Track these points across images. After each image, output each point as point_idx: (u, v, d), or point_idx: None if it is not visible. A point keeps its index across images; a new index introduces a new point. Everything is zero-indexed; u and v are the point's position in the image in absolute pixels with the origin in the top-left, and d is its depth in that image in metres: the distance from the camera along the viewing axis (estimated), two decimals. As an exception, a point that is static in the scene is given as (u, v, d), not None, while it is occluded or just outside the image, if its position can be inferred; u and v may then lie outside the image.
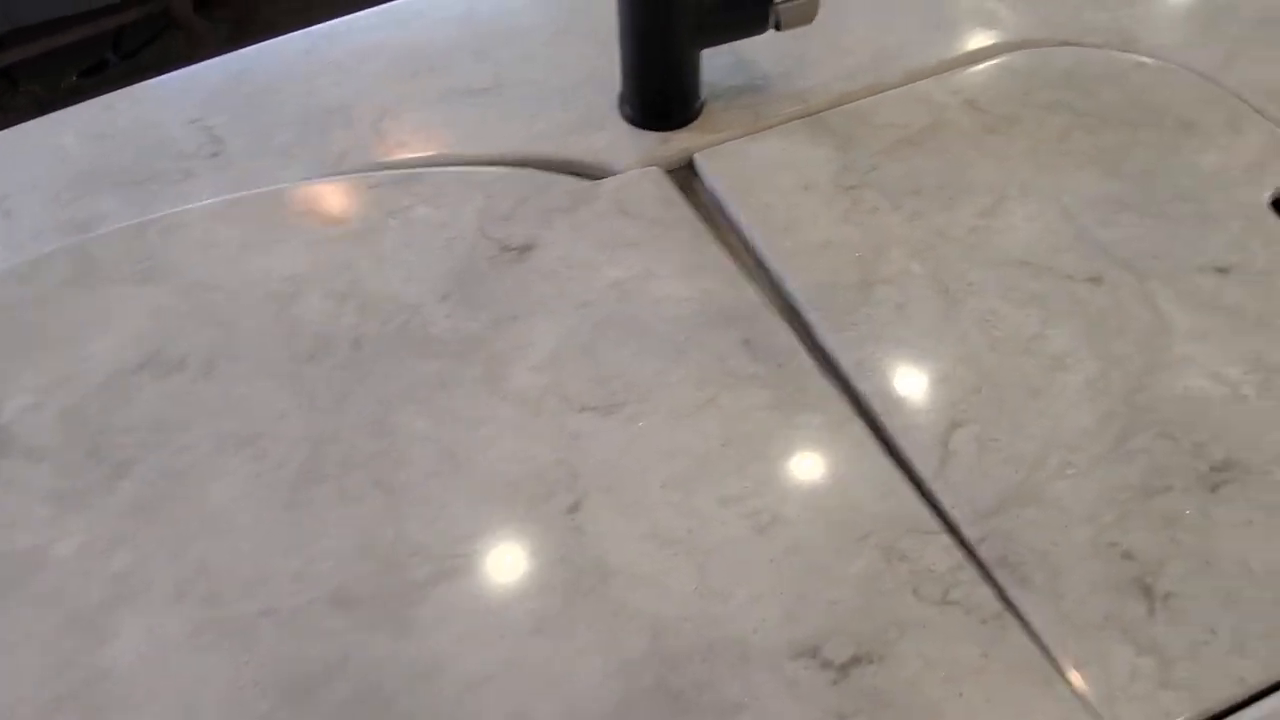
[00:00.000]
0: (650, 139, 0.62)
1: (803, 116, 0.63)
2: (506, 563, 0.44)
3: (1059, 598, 0.42)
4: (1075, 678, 0.40)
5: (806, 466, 0.47)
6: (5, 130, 0.65)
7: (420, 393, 0.49)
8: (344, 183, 0.60)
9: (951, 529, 0.44)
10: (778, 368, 0.50)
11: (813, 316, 0.52)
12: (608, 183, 0.59)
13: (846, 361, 0.50)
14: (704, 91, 0.64)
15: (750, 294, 0.53)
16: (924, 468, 0.46)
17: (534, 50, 0.68)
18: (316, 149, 0.62)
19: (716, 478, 0.46)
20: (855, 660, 0.41)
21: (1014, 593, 0.42)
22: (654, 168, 0.59)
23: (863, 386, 0.49)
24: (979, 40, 0.67)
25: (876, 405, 0.48)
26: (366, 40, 0.70)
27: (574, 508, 0.45)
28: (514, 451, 0.47)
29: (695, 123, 0.63)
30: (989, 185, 0.58)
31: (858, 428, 0.48)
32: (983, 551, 0.43)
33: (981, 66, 0.66)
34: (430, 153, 0.62)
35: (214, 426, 0.49)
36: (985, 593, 0.42)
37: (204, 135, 0.64)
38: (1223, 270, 0.53)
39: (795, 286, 0.54)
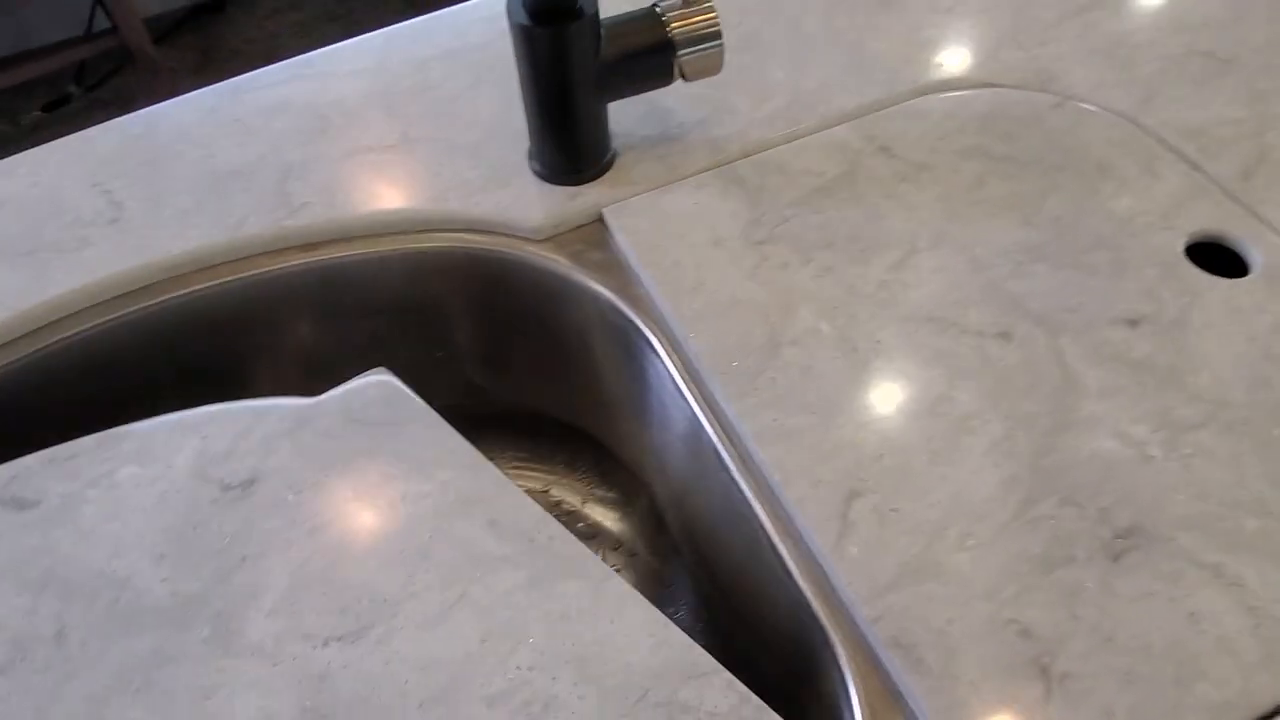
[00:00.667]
0: (559, 194, 0.61)
1: (716, 167, 0.62)
2: None
3: (954, 680, 0.40)
4: (967, 768, 0.38)
5: (572, 638, 0.43)
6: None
7: (136, 676, 0.43)
8: (35, 461, 0.51)
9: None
10: (529, 543, 0.46)
11: (714, 383, 0.51)
12: (329, 397, 0.53)
13: (747, 430, 0.49)
14: (616, 142, 0.63)
15: (492, 473, 0.49)
16: (822, 542, 0.45)
17: (443, 106, 0.67)
18: (216, 214, 0.61)
19: (480, 679, 0.42)
20: None
21: (908, 676, 0.41)
22: (386, 375, 0.54)
23: (761, 456, 0.48)
24: (897, 83, 0.66)
25: (775, 476, 0.47)
26: (273, 96, 0.68)
27: None
28: (254, 713, 0.42)
29: (606, 176, 0.62)
30: (900, 236, 0.57)
31: (618, 584, 0.44)
32: (877, 631, 0.42)
33: (898, 109, 0.65)
34: (334, 214, 0.61)
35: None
36: None
37: (103, 200, 0.62)
38: (1133, 323, 0.53)
39: (699, 350, 0.52)
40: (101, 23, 2.44)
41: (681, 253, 0.57)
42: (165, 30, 2.77)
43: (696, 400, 0.52)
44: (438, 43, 0.72)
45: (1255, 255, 0.56)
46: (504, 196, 0.61)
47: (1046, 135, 0.63)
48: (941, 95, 0.65)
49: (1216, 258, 0.56)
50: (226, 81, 0.69)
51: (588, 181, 0.61)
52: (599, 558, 0.45)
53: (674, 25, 0.56)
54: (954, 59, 0.68)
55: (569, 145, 0.60)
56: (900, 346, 0.52)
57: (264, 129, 0.66)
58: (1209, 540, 0.44)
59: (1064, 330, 0.52)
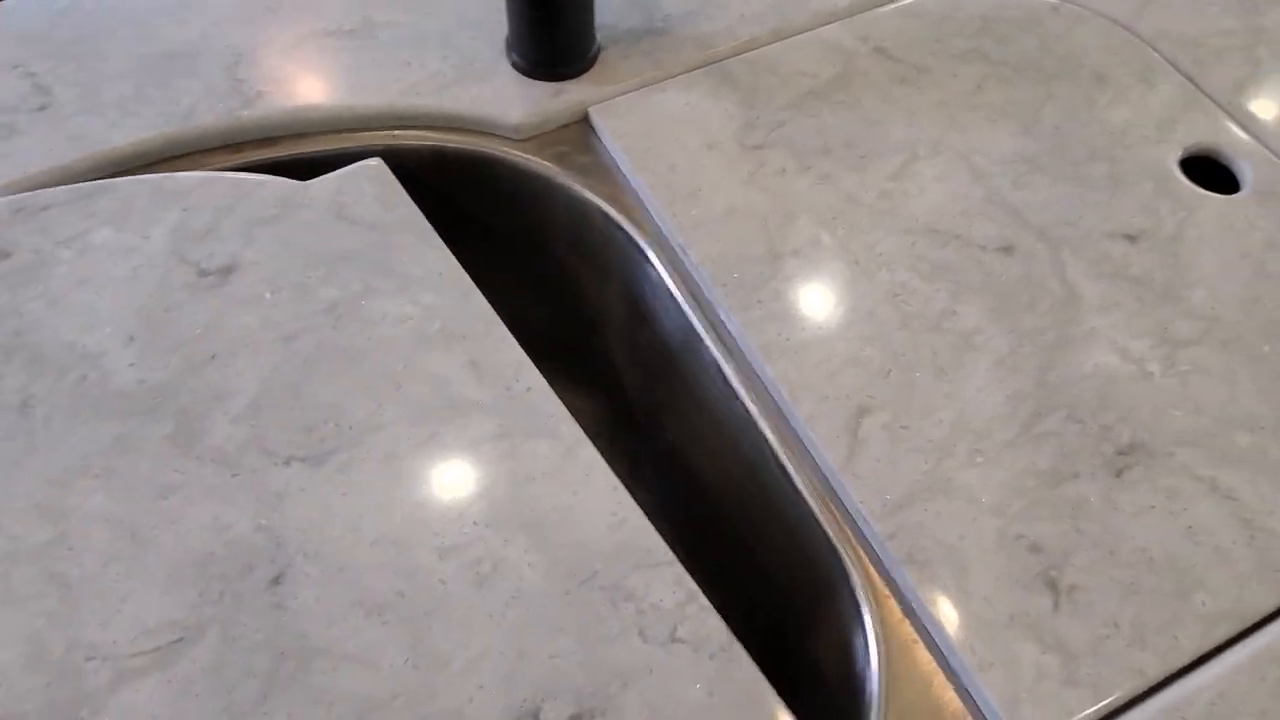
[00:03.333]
0: (541, 90, 0.57)
1: (706, 64, 0.59)
2: (196, 654, 0.38)
3: (967, 596, 0.41)
4: (985, 680, 0.39)
5: (533, 502, 0.42)
6: None
7: (98, 462, 0.42)
8: (3, 208, 0.49)
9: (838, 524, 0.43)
10: (505, 391, 0.44)
11: (716, 294, 0.49)
12: (320, 183, 0.50)
13: (751, 344, 0.47)
14: (599, 36, 0.59)
15: (480, 305, 0.47)
16: (832, 459, 0.44)
17: (409, -15, 0.61)
18: (160, 102, 0.55)
19: (435, 527, 0.41)
20: (576, 718, 0.37)
21: (922, 592, 0.41)
22: (377, 160, 0.51)
23: (768, 371, 0.47)
24: (891, -21, 0.63)
25: (783, 392, 0.46)
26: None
27: (276, 580, 0.39)
28: (208, 521, 0.41)
29: (590, 72, 0.58)
30: (900, 143, 0.55)
31: (589, 452, 0.43)
32: (891, 548, 0.42)
33: (893, 8, 0.62)
34: (295, 105, 0.55)
35: None
36: (714, 623, 0.39)
37: (28, 84, 0.56)
38: (1131, 237, 0.52)
39: (698, 260, 0.50)
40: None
41: (675, 156, 0.54)
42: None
43: (695, 313, 0.50)
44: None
45: (1247, 171, 0.56)
46: (481, 91, 0.56)
47: (1044, 40, 0.61)
48: (938, -6, 0.63)
49: (1209, 172, 0.56)
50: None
51: (571, 77, 0.57)
52: (574, 421, 0.44)
53: (670, -95, 0.52)
54: (949, -44, 0.65)
55: (552, 36, 0.55)
56: (903, 259, 0.51)
57: (206, 6, 0.59)
58: (1205, 455, 0.45)
59: (1064, 244, 0.52)
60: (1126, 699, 0.39)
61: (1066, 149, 0.56)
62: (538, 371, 0.45)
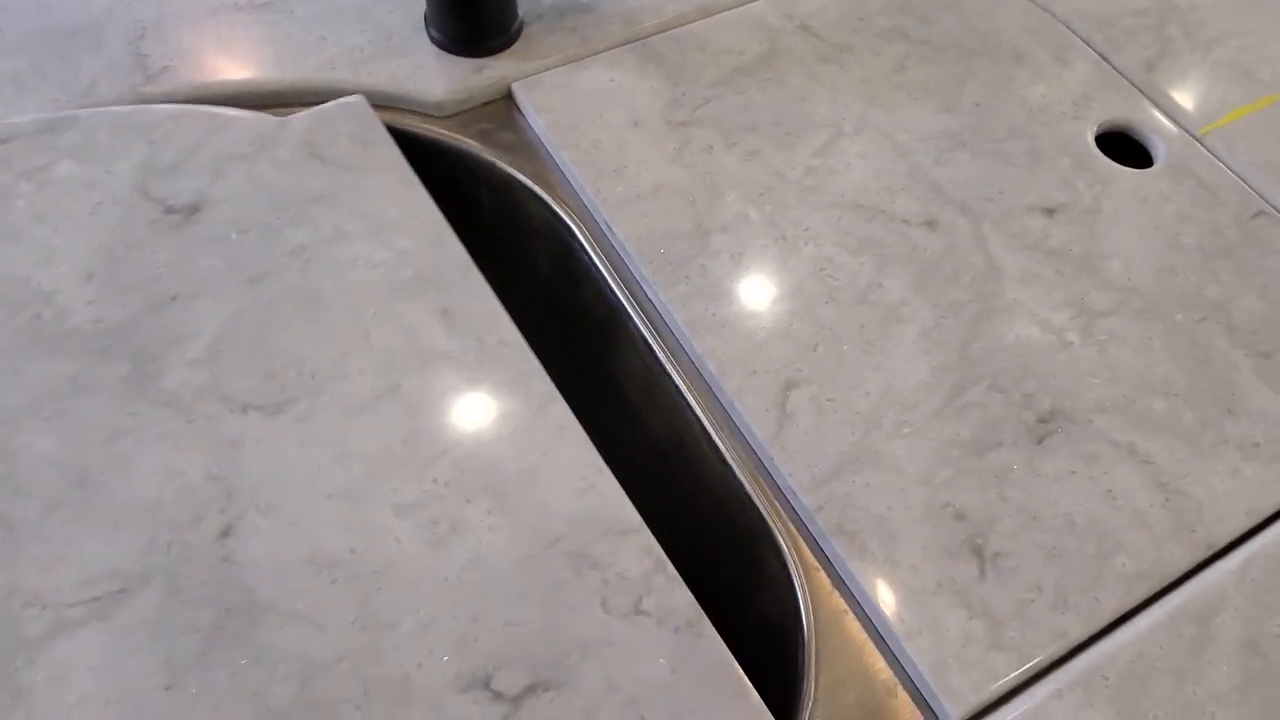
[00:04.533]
0: (462, 66, 0.55)
1: (631, 41, 0.58)
2: (138, 605, 0.36)
3: (895, 565, 0.41)
4: (913, 647, 0.39)
5: (499, 461, 0.41)
6: None
7: (49, 403, 0.40)
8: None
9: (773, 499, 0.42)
10: (477, 343, 0.43)
11: (643, 271, 0.49)
12: (297, 119, 0.49)
13: (678, 320, 0.47)
14: (523, 11, 0.57)
15: (456, 251, 0.46)
16: (761, 433, 0.44)
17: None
18: (59, 78, 0.52)
19: (393, 483, 0.40)
20: (530, 689, 0.36)
21: (851, 563, 0.41)
22: (358, 96, 0.50)
23: (696, 347, 0.46)
24: (815, -42, 0.63)
25: (711, 367, 0.46)
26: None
27: (225, 532, 0.38)
28: (159, 468, 0.39)
29: (513, 47, 0.56)
30: (825, 120, 0.55)
31: (561, 410, 0.42)
32: (820, 520, 0.42)
33: (818, -13, 0.62)
34: (203, 80, 0.53)
35: None
36: (682, 596, 0.38)
37: (-89, 57, 0.52)
38: (1049, 211, 0.53)
39: (625, 237, 0.50)
40: None
41: (600, 133, 0.53)
42: None
43: (621, 290, 0.49)
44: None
45: (1159, 146, 0.57)
46: (400, 66, 0.55)
47: (964, 19, 0.62)
48: (861, -27, 0.63)
49: (1123, 147, 0.57)
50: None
51: (493, 53, 0.56)
52: (547, 378, 0.43)
53: (591, -124, 0.51)
54: (872, -65, 0.65)
55: (473, 11, 0.54)
56: (829, 234, 0.51)
57: (106, -21, 0.57)
58: (1123, 421, 0.46)
59: (985, 218, 0.52)
60: (1050, 660, 0.39)
61: (987, 126, 0.56)
62: (512, 323, 0.44)
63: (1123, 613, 0.41)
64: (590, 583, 0.38)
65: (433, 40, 0.56)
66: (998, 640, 0.39)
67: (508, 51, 0.56)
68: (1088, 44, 0.61)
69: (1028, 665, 0.39)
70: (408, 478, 0.40)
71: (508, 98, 0.56)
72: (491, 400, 0.42)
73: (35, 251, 0.44)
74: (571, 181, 0.52)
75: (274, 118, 0.48)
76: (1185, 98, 0.59)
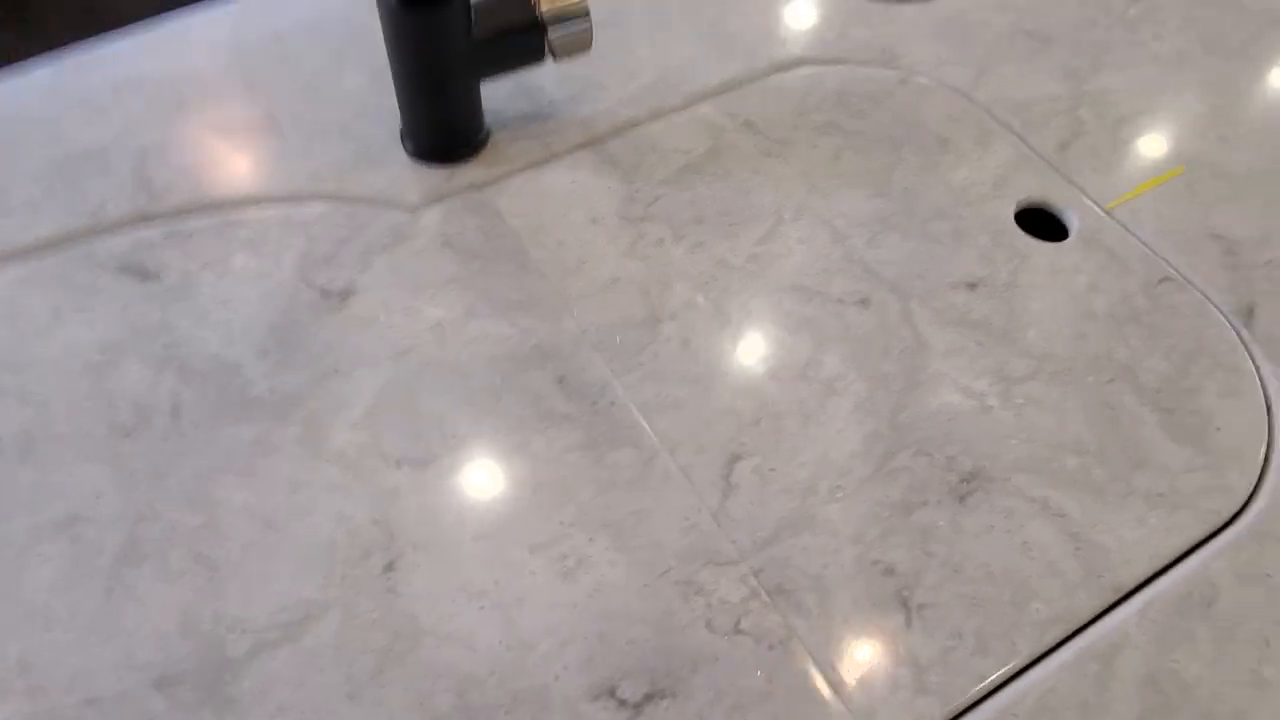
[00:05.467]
0: (435, 174, 0.61)
1: (589, 144, 0.64)
2: (323, 629, 0.44)
3: (830, 619, 0.45)
4: (846, 695, 0.43)
5: (614, 506, 0.48)
6: None
7: (240, 461, 0.49)
8: (157, 230, 0.57)
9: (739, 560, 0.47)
10: (590, 405, 0.52)
11: (602, 357, 0.54)
12: (428, 214, 0.59)
13: (636, 401, 0.52)
14: (489, 120, 0.63)
15: (568, 327, 0.54)
16: (710, 502, 0.49)
17: (306, 81, 0.65)
18: (69, 201, 0.58)
19: (527, 525, 0.47)
20: (649, 698, 0.43)
21: (791, 619, 0.45)
22: (481, 197, 0.60)
23: (652, 425, 0.51)
24: (756, 60, 0.70)
25: (664, 443, 0.51)
26: (120, 71, 0.65)
27: (389, 567, 0.46)
28: (332, 514, 0.47)
29: (481, 155, 0.62)
30: (767, 210, 0.61)
31: (664, 461, 0.50)
32: (763, 581, 0.46)
33: (758, 85, 0.68)
34: (198, 198, 0.59)
35: (30, 513, 0.47)
36: (774, 619, 0.45)
37: (-60, 188, 0.58)
38: (972, 286, 0.58)
39: (586, 327, 0.55)
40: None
41: (564, 232, 0.59)
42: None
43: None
44: (293, 14, 0.70)
45: (1073, 220, 0.63)
46: (378, 178, 0.61)
47: (893, 110, 0.68)
48: (799, 71, 0.69)
49: (1041, 222, 0.63)
50: (65, 53, 0.65)
51: (463, 161, 0.62)
52: (652, 434, 0.50)
53: (543, 4, 0.57)
54: (809, 37, 0.72)
55: (444, 127, 0.60)
56: (770, 315, 0.56)
57: (114, 107, 0.63)
58: (1038, 478, 0.51)
59: (913, 295, 0.58)
60: (970, 702, 0.44)
61: (914, 208, 0.62)
62: (620, 388, 0.52)
63: (1037, 655, 0.45)
64: (696, 607, 0.45)
65: (408, 152, 0.62)
66: (923, 685, 0.44)
67: (477, 159, 0.62)
68: (1007, 128, 0.67)
69: (950, 707, 0.43)
70: (539, 521, 0.48)
71: (479, 200, 0.61)
72: (606, 454, 0.50)
73: (220, 331, 0.53)
74: (540, 276, 0.58)
75: (408, 214, 0.58)
76: (1096, 174, 0.65)
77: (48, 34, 0.64)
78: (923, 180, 0.64)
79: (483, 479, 0.49)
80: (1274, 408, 0.54)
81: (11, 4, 2.50)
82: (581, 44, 0.59)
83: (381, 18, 0.54)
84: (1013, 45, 0.73)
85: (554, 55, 0.59)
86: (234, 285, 0.55)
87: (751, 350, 0.55)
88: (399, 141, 0.62)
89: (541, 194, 0.61)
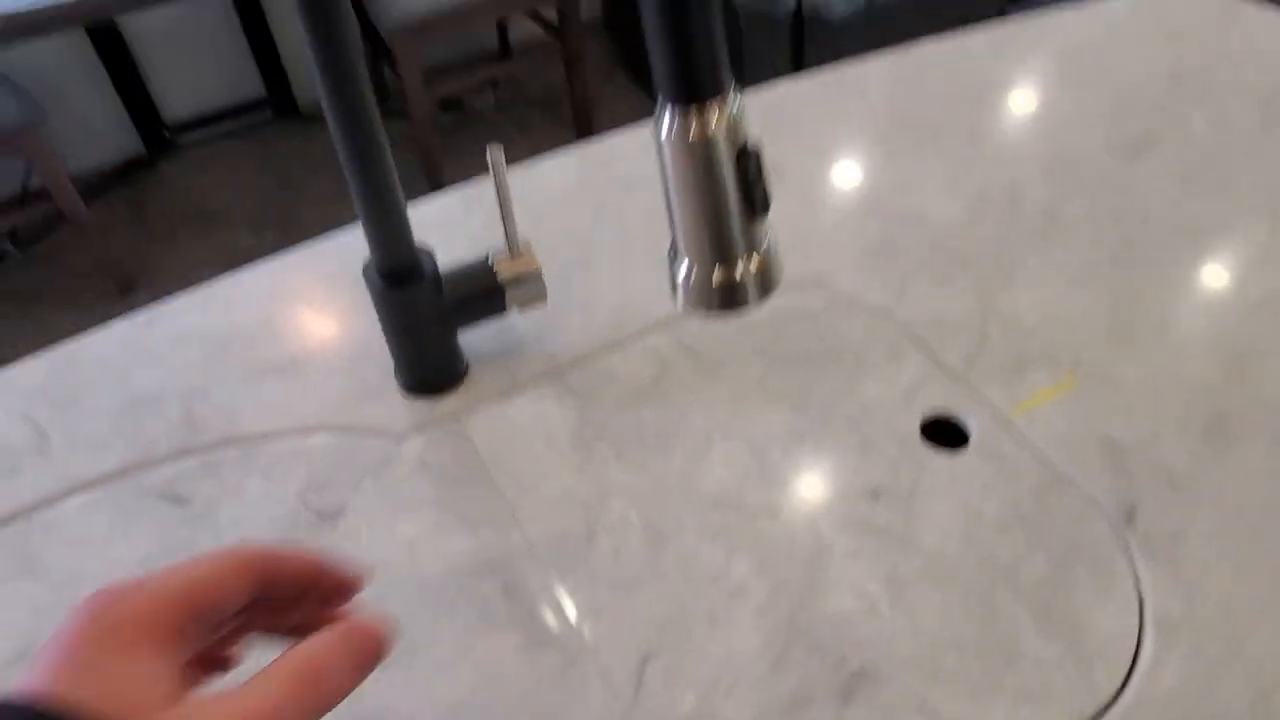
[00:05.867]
0: (421, 406, 0.74)
1: (552, 373, 0.76)
2: None
3: (717, 809, 0.52)
4: None
5: (542, 703, 0.56)
6: None
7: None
8: (195, 461, 0.70)
9: (640, 755, 0.55)
10: (528, 612, 0.60)
11: (546, 565, 0.64)
12: (412, 441, 0.71)
13: (572, 604, 0.61)
14: (469, 354, 0.76)
15: (515, 539, 0.64)
16: (623, 698, 0.57)
17: (323, 327, 0.80)
18: (130, 437, 0.72)
19: None
20: None
21: (683, 808, 0.53)
22: (458, 426, 0.71)
23: (584, 627, 0.60)
24: (700, 291, 0.81)
25: (588, 645, 0.59)
26: (180, 325, 0.80)
27: None
28: None
29: (461, 387, 0.75)
30: (698, 430, 0.71)
31: (586, 662, 0.57)
32: (663, 773, 0.54)
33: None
34: (230, 433, 0.72)
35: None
36: None
37: (31, 429, 0.73)
38: (875, 494, 0.67)
39: (536, 538, 0.65)
40: (37, 181, 2.55)
41: (522, 454, 0.70)
42: (99, 187, 2.88)
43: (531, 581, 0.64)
44: (320, 269, 0.85)
45: (973, 427, 0.71)
46: (373, 410, 0.73)
47: (817, 331, 0.78)
48: (735, 301, 0.80)
49: (946, 431, 0.71)
50: (142, 312, 0.81)
51: (447, 392, 0.74)
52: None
53: (502, 271, 0.70)
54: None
55: (425, 370, 0.73)
56: (693, 528, 0.65)
57: (171, 356, 0.78)
58: (920, 676, 0.57)
59: (820, 505, 0.66)
60: None
61: (828, 422, 0.71)
62: (557, 594, 0.61)
63: (901, 846, 0.51)
64: None
65: (399, 386, 0.75)
66: None
67: (457, 390, 0.74)
68: (919, 344, 0.77)
69: None
70: (477, 717, 0.56)
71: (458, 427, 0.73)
72: (540, 656, 0.58)
73: None
74: (502, 494, 0.69)
75: (393, 445, 0.71)
76: (998, 384, 0.73)
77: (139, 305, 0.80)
78: (837, 396, 0.73)
79: (429, 682, 0.57)
80: (1146, 606, 0.60)
81: (134, 211, 2.85)
82: (537, 298, 0.72)
83: (371, 296, 0.68)
84: (932, 265, 0.83)
85: (517, 309, 0.72)
86: (247, 508, 0.67)
87: (672, 560, 0.63)
88: (393, 377, 0.75)
89: (507, 421, 0.72)
